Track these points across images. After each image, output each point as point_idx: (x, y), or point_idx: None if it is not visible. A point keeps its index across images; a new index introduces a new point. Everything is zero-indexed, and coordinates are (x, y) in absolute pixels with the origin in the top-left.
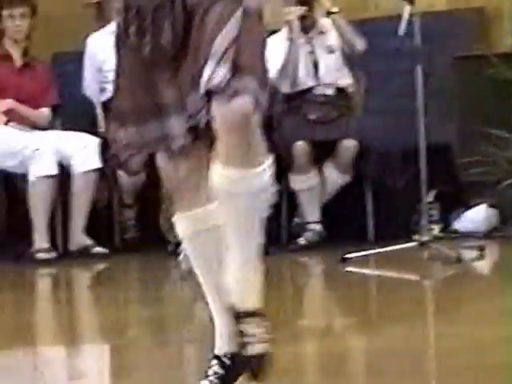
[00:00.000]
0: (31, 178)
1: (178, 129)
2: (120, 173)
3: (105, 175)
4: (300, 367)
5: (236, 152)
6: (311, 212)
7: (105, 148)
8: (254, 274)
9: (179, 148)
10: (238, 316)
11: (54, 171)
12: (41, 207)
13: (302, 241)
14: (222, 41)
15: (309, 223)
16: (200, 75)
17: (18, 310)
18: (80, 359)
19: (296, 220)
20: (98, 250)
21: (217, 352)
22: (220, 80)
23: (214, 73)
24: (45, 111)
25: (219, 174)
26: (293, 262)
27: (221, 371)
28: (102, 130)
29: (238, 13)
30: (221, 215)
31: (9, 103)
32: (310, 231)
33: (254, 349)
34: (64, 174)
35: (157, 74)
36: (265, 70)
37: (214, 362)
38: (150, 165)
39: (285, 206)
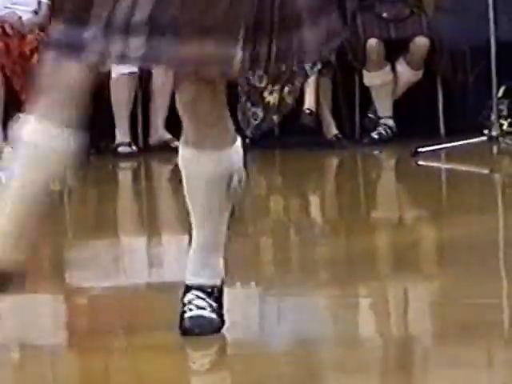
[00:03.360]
0: (113, 74)
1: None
2: None
3: None
4: (372, 258)
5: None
6: (384, 107)
7: None
8: (211, 255)
9: None
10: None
11: (136, 68)
12: (122, 103)
13: (374, 135)
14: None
15: (381, 118)
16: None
17: (101, 203)
18: (160, 248)
19: (369, 115)
20: (177, 144)
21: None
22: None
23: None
24: None
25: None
26: (365, 156)
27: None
28: None
29: None
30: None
31: None
32: (382, 126)
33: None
34: (145, 71)
35: None
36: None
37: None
38: None
39: (358, 101)
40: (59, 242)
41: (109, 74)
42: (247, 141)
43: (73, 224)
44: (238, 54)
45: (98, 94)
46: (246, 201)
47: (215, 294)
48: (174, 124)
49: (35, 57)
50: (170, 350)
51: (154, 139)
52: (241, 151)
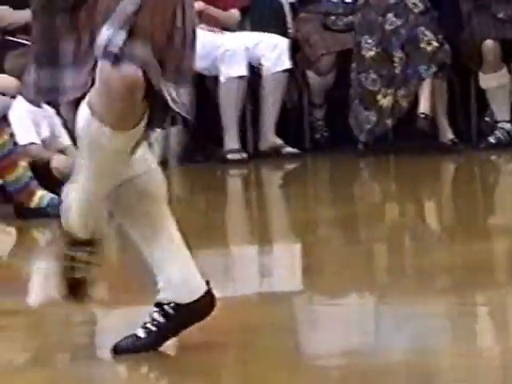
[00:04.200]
0: (222, 79)
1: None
2: (309, 73)
3: (294, 76)
4: (491, 265)
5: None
6: (501, 110)
7: (294, 49)
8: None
9: None
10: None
11: (244, 72)
12: (231, 108)
13: (492, 140)
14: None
15: (498, 122)
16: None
17: (210, 210)
18: (271, 257)
19: (486, 119)
20: (288, 150)
21: (159, 299)
22: (113, 42)
23: (111, 35)
24: (234, 12)
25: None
26: (483, 161)
27: (161, 319)
28: (291, 30)
29: None
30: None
31: (199, 5)
32: (499, 130)
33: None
34: (254, 75)
35: None
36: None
37: (155, 309)
38: (340, 64)
39: (474, 104)
40: None
41: (216, 78)
42: (360, 146)
43: (181, 232)
44: None
45: (206, 98)
46: (359, 207)
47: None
48: (285, 129)
49: None
50: (281, 362)
51: (263, 145)
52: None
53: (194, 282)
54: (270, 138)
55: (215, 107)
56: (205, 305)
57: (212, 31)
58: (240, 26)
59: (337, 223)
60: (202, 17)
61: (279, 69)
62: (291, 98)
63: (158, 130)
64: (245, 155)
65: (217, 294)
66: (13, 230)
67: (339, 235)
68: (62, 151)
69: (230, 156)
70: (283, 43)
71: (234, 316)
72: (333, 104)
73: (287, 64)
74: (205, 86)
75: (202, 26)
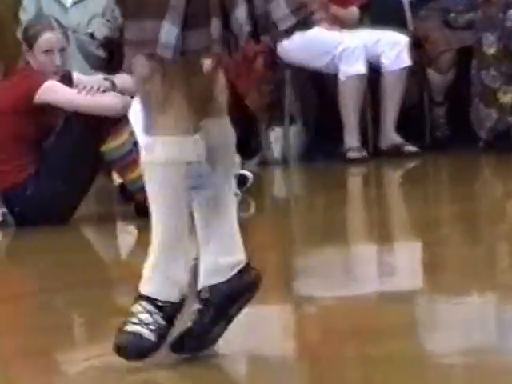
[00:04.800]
0: (341, 77)
1: None
2: (430, 70)
3: (415, 73)
4: None
5: None
6: None
7: (414, 46)
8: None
9: None
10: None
11: (363, 70)
12: (351, 106)
13: None
14: None
15: None
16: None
17: (330, 209)
18: (391, 256)
19: None
20: (409, 148)
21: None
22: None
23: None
24: (353, 10)
25: None
26: None
27: (200, 306)
28: (411, 28)
29: None
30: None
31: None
32: None
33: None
34: (374, 73)
35: None
36: None
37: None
38: (460, 62)
39: None
40: (287, 249)
41: (336, 76)
42: (481, 143)
43: (301, 231)
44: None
45: (326, 97)
46: (480, 205)
47: (167, 311)
48: (405, 127)
49: (259, 60)
50: (404, 362)
51: (384, 143)
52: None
53: None
54: (390, 136)
55: (335, 105)
56: None
57: (331, 29)
58: (359, 24)
59: (458, 221)
60: (322, 15)
61: (399, 66)
62: (411, 95)
63: (278, 128)
64: (365, 153)
65: (336, 292)
66: (133, 229)
67: (460, 233)
68: None
69: (350, 154)
70: (403, 40)
71: (354, 315)
72: (453, 101)
73: (407, 61)
74: (324, 85)
75: (321, 24)
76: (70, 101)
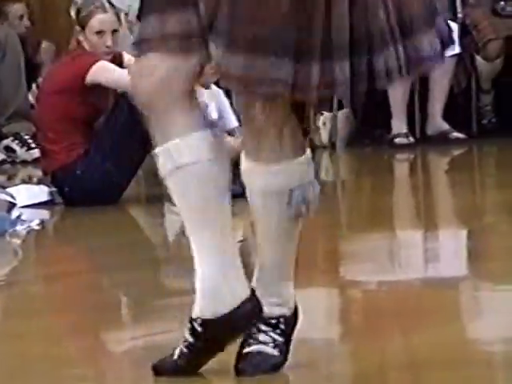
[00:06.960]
0: None
1: None
2: (478, 58)
3: (463, 60)
4: None
5: None
6: None
7: (463, 33)
8: (275, 282)
9: None
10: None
11: None
12: (399, 92)
13: None
14: None
15: None
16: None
17: (376, 194)
18: (436, 242)
19: None
20: (455, 135)
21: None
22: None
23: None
24: None
25: None
26: None
27: (191, 339)
28: (460, 15)
29: None
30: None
31: None
32: None
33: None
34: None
35: None
36: None
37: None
38: (508, 50)
39: None
40: (333, 234)
41: None
42: None
43: (347, 216)
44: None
45: None
46: None
47: (281, 327)
48: (452, 113)
49: None
50: (447, 348)
51: (431, 129)
52: (309, 164)
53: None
54: (437, 122)
55: (383, 91)
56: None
57: None
58: None
59: (503, 209)
60: None
61: (447, 54)
62: (459, 82)
63: (326, 113)
64: (412, 139)
65: (381, 277)
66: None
67: (505, 221)
68: (229, 133)
69: (397, 140)
70: (452, 28)
71: (398, 300)
72: (501, 89)
73: (456, 49)
74: None
75: None
76: (120, 81)
